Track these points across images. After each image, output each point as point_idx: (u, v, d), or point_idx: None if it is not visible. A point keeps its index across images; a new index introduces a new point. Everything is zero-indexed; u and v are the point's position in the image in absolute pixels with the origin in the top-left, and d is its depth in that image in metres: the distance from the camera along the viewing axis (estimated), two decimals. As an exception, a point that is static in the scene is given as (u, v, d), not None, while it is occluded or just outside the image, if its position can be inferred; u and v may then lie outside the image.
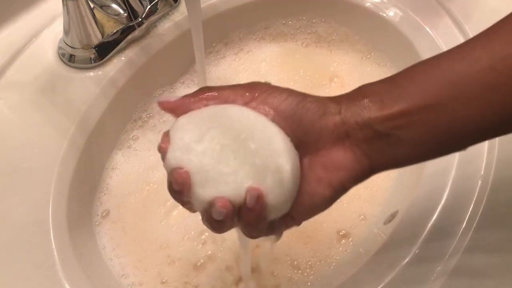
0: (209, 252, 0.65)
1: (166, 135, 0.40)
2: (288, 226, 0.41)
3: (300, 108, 0.39)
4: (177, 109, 0.41)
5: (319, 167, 0.39)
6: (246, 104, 0.40)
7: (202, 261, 0.64)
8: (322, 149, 0.39)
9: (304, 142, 0.39)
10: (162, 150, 0.39)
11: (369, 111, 0.38)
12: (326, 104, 0.39)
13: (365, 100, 0.38)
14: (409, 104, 0.36)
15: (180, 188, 0.38)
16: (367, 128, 0.38)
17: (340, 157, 0.38)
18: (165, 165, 0.39)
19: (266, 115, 0.39)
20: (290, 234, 0.66)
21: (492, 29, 0.37)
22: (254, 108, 0.39)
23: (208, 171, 0.37)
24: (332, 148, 0.39)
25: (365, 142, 0.38)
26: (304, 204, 0.40)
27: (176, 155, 0.38)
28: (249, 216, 0.38)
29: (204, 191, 0.37)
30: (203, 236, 0.66)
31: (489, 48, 0.35)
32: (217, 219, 0.37)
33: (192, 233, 0.66)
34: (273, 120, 0.39)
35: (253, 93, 0.40)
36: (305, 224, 0.64)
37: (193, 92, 0.42)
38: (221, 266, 0.64)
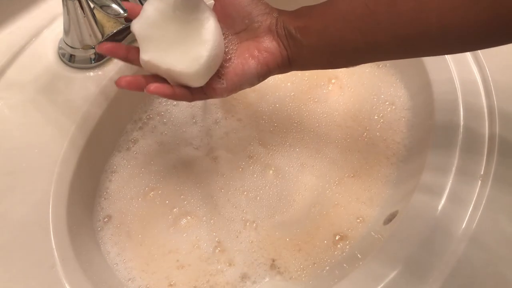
0: (221, 260, 0.65)
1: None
2: (217, 91, 0.55)
3: (254, 3, 0.55)
4: None
5: (255, 48, 0.55)
6: None
7: (213, 268, 0.64)
8: (259, 36, 0.55)
9: (249, 29, 0.55)
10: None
11: (289, 20, 0.54)
12: (271, 8, 0.55)
13: (291, 14, 0.55)
14: (311, 20, 0.53)
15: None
16: (286, 29, 0.54)
17: (269, 44, 0.55)
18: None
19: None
20: (281, 241, 0.66)
21: None
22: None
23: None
24: (265, 37, 0.55)
25: (285, 39, 0.54)
26: (236, 70, 0.54)
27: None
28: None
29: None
30: (215, 244, 0.66)
31: None
32: None
33: (204, 241, 0.66)
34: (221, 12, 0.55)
35: None
36: (299, 230, 0.66)
37: None
38: (235, 274, 0.64)
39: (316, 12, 0.53)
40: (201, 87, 0.55)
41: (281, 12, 0.56)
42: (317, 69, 0.59)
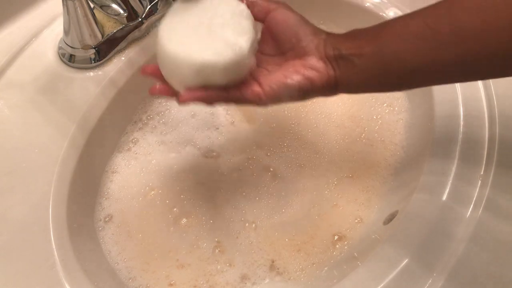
0: (221, 260, 0.65)
1: None
2: (254, 92, 0.52)
3: (301, 23, 0.54)
4: None
5: (300, 65, 0.53)
6: (265, 14, 0.54)
7: (213, 268, 0.64)
8: (306, 54, 0.53)
9: (296, 48, 0.53)
10: None
11: (340, 41, 0.52)
12: (318, 30, 0.54)
13: (342, 37, 0.53)
14: (364, 41, 0.50)
15: None
16: (336, 50, 0.52)
17: (316, 63, 0.52)
18: None
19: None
20: (281, 242, 0.66)
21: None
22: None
23: None
24: (313, 55, 0.53)
25: (334, 59, 0.52)
26: (279, 80, 0.52)
27: None
28: None
29: None
30: (214, 244, 0.66)
31: (429, 9, 0.48)
32: None
33: (204, 241, 0.66)
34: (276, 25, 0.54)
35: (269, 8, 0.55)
36: (298, 231, 0.67)
37: None
38: (235, 275, 0.64)
39: (370, 33, 0.51)
40: (238, 87, 0.52)
41: (329, 34, 0.54)
42: (367, 92, 0.57)
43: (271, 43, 0.55)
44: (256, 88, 0.52)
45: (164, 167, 0.72)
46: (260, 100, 0.52)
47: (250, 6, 0.54)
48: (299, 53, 0.53)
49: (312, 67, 0.52)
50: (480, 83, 0.68)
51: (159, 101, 0.76)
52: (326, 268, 0.63)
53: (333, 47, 0.52)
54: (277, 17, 0.54)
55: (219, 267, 0.64)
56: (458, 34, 0.45)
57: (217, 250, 0.65)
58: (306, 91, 0.52)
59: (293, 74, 0.52)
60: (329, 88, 0.53)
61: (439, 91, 0.68)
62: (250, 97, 0.52)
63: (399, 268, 0.54)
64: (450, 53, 0.46)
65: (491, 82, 0.67)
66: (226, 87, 0.51)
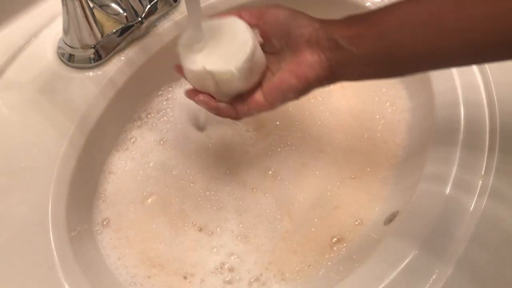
0: (221, 260, 0.65)
1: None
2: (258, 104, 0.55)
3: (289, 20, 0.54)
4: None
5: (294, 63, 0.53)
6: (257, 19, 0.56)
7: (213, 270, 0.64)
8: (299, 50, 0.53)
9: (288, 44, 0.54)
10: None
11: (337, 30, 0.51)
12: (311, 20, 0.53)
13: (338, 23, 0.52)
14: (364, 29, 0.49)
15: None
16: (331, 41, 0.51)
17: (309, 57, 0.52)
18: None
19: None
20: (279, 243, 0.66)
21: None
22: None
23: None
24: (305, 50, 0.52)
25: (329, 51, 0.51)
26: (275, 86, 0.54)
27: None
28: None
29: None
30: (216, 248, 0.66)
31: None
32: None
33: (203, 244, 0.66)
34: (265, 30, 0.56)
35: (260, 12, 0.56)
36: (295, 232, 0.66)
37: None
38: (234, 276, 0.64)
39: (370, 20, 0.50)
40: (243, 102, 0.56)
41: (323, 22, 0.53)
42: (368, 79, 0.55)
43: (270, 43, 0.56)
44: (259, 98, 0.55)
45: (162, 168, 0.72)
46: (264, 110, 0.56)
47: (242, 15, 0.57)
48: (293, 49, 0.53)
49: (306, 63, 0.52)
50: (480, 81, 0.67)
51: (159, 99, 0.76)
52: (323, 270, 0.63)
53: (327, 37, 0.51)
54: (267, 18, 0.55)
55: (219, 270, 0.64)
56: (463, 20, 0.44)
57: (216, 250, 0.65)
58: (304, 89, 0.53)
59: (287, 77, 0.53)
60: (327, 79, 0.53)
61: (440, 90, 0.68)
62: (255, 110, 0.56)
63: (399, 269, 0.54)
64: (456, 40, 0.45)
65: (492, 81, 0.67)
66: (233, 103, 0.57)
